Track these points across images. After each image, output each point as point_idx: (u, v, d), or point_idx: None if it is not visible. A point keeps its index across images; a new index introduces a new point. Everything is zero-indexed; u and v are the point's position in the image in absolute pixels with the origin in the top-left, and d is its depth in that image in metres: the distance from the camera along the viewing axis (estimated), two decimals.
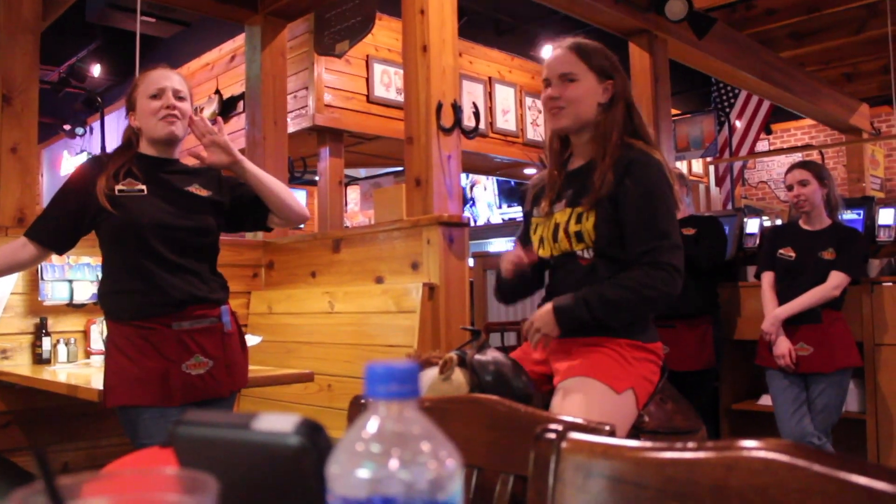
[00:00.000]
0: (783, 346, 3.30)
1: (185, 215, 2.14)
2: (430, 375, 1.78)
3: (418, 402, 0.51)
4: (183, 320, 2.11)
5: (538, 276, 2.15)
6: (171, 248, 2.11)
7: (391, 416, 0.50)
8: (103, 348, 3.42)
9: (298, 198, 2.32)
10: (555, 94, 1.98)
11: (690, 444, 0.86)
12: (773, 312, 3.35)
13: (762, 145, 10.04)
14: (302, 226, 2.96)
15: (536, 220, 2.06)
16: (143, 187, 2.12)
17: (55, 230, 2.18)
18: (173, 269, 2.11)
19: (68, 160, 9.85)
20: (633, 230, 1.86)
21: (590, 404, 1.74)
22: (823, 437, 3.24)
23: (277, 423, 0.53)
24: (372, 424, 0.49)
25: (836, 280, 3.28)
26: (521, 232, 2.16)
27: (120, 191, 2.10)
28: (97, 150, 8.87)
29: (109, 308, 2.17)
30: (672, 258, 1.84)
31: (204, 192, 2.21)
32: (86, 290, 3.64)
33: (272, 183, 2.24)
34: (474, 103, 3.73)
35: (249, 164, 2.22)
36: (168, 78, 2.19)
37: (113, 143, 8.59)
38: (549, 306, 1.87)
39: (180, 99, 2.18)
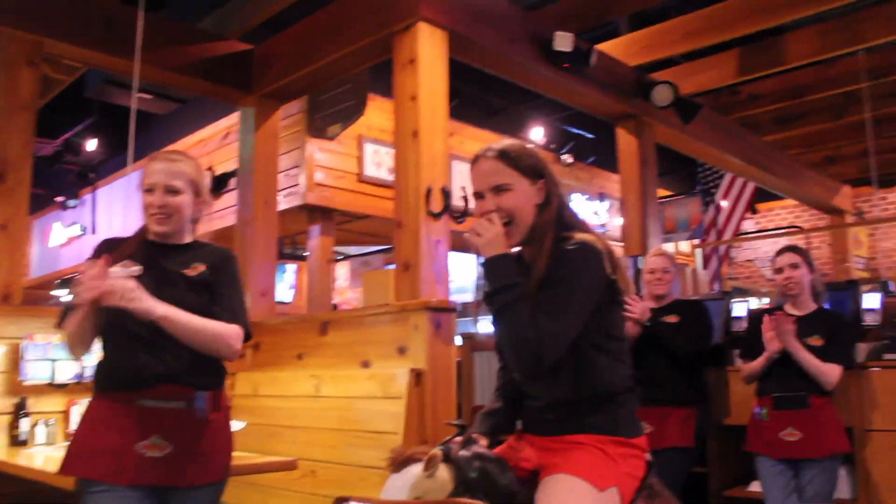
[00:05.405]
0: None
1: (166, 294, 2.09)
2: (413, 472, 1.75)
3: None
4: (149, 398, 2.08)
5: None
6: (147, 325, 2.07)
7: None
8: None
9: (231, 337, 2.16)
10: (491, 207, 1.88)
11: None
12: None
13: (748, 224, 10.17)
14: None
15: None
16: (138, 268, 2.12)
17: None
18: (147, 345, 2.10)
19: (59, 231, 9.87)
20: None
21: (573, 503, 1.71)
22: None
23: None
24: None
25: (835, 373, 3.28)
26: None
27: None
28: (89, 223, 8.90)
29: (94, 380, 2.21)
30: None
31: (201, 268, 2.20)
32: (68, 370, 3.60)
33: (190, 329, 2.10)
34: (463, 187, 3.76)
35: (160, 311, 2.07)
36: (160, 172, 2.18)
37: (105, 216, 8.68)
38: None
39: (174, 192, 2.18)
